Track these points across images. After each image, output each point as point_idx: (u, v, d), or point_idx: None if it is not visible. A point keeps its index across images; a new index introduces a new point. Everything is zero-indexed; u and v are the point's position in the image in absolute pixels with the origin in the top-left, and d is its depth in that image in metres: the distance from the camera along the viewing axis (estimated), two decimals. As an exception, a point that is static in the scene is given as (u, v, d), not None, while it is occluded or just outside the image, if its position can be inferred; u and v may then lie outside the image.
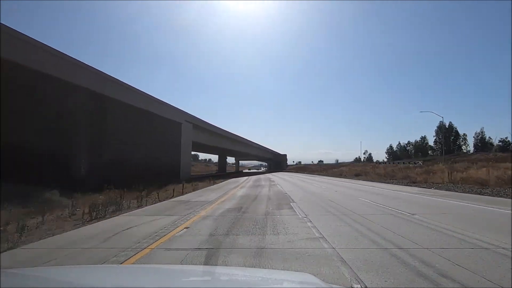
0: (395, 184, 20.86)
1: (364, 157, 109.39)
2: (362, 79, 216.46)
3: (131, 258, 4.12)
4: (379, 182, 23.86)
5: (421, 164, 41.78)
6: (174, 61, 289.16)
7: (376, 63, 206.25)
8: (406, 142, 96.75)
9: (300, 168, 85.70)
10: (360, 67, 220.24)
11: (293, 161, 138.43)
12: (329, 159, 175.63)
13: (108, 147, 18.96)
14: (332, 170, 49.88)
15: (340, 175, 40.22)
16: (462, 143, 79.78)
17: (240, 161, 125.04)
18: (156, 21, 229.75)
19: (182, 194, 14.60)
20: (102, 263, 3.87)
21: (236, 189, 18.25)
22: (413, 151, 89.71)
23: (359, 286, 3.01)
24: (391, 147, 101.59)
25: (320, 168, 60.79)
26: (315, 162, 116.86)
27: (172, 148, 27.94)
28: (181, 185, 16.86)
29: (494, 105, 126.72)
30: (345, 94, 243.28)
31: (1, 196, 8.16)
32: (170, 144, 27.66)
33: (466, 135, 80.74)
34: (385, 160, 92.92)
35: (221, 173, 62.07)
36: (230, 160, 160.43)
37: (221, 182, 26.42)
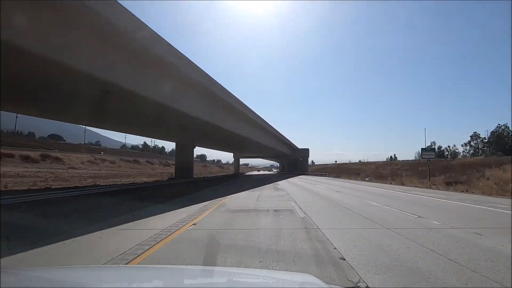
0: None
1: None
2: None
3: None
4: None
5: None
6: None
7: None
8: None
9: (340, 169, 49.41)
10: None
11: (312, 161, 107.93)
12: (340, 159, 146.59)
13: None
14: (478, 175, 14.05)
15: None
16: None
17: (242, 159, 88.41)
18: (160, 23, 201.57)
19: None
20: None
21: None
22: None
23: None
24: (475, 135, 63.75)
25: (409, 169, 23.60)
26: (320, 163, 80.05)
27: None
28: None
29: None
30: (368, 88, 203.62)
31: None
32: None
33: None
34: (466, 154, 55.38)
35: (178, 181, 27.71)
36: (229, 157, 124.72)
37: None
